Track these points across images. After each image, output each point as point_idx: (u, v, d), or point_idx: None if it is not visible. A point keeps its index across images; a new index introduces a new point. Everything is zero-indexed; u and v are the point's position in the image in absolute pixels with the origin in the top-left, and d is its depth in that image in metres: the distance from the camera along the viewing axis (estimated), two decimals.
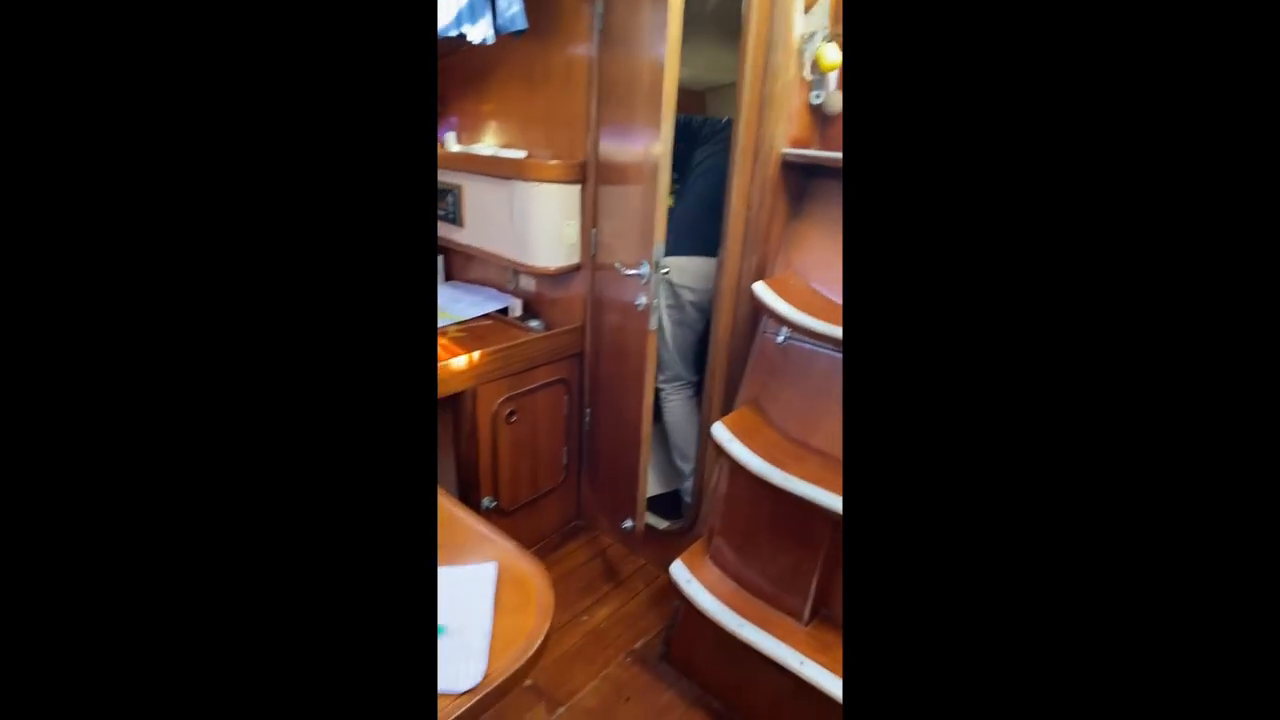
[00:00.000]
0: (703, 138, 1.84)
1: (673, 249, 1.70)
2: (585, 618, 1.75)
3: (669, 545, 1.88)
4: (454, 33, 1.54)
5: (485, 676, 0.73)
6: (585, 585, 1.87)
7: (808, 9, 1.33)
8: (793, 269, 1.53)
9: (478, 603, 0.84)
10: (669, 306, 1.82)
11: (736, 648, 1.36)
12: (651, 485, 2.07)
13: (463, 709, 0.69)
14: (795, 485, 1.26)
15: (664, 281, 1.77)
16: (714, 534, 1.52)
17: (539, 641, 0.79)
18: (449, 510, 1.05)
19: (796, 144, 1.45)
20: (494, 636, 0.79)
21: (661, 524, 1.93)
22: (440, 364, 1.57)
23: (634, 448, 1.69)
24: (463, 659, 0.75)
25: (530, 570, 0.91)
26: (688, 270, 1.75)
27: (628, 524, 1.77)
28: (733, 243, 1.53)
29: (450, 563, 0.92)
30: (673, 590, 1.60)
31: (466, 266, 2.28)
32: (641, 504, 1.72)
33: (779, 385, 1.50)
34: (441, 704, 0.69)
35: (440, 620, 0.81)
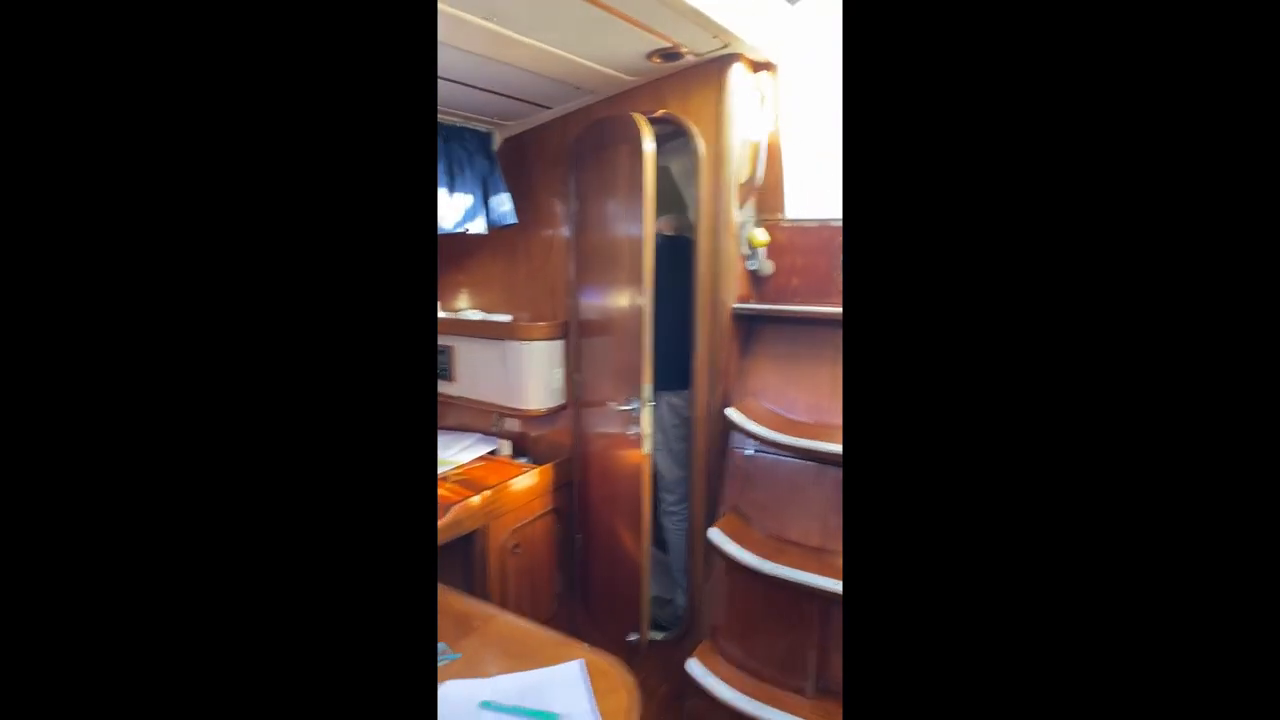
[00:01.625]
0: None
1: (659, 386, 2.03)
2: None
3: (664, 657, 2.03)
4: (460, 229, 1.89)
5: None
6: None
7: (740, 205, 1.80)
8: (749, 395, 1.88)
9: (577, 692, 1.03)
10: (674, 426, 2.11)
11: None
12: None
13: None
14: (785, 572, 1.53)
15: (669, 408, 2.08)
16: (718, 632, 1.72)
17: (638, 712, 0.98)
18: (522, 626, 1.23)
19: (741, 300, 1.87)
20: (601, 715, 0.98)
21: (658, 636, 2.08)
22: (459, 505, 1.75)
23: (632, 563, 1.90)
24: None
25: (608, 661, 1.11)
26: (683, 397, 2.07)
27: (633, 637, 1.92)
28: (701, 378, 1.88)
29: (538, 666, 1.10)
30: (679, 695, 1.75)
31: (444, 415, 2.49)
32: (645, 616, 1.89)
33: (753, 491, 1.80)
34: None
35: (552, 709, 0.98)
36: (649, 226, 1.68)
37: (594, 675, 1.07)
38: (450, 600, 1.35)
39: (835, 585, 1.47)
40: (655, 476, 2.16)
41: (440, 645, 1.15)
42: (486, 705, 0.99)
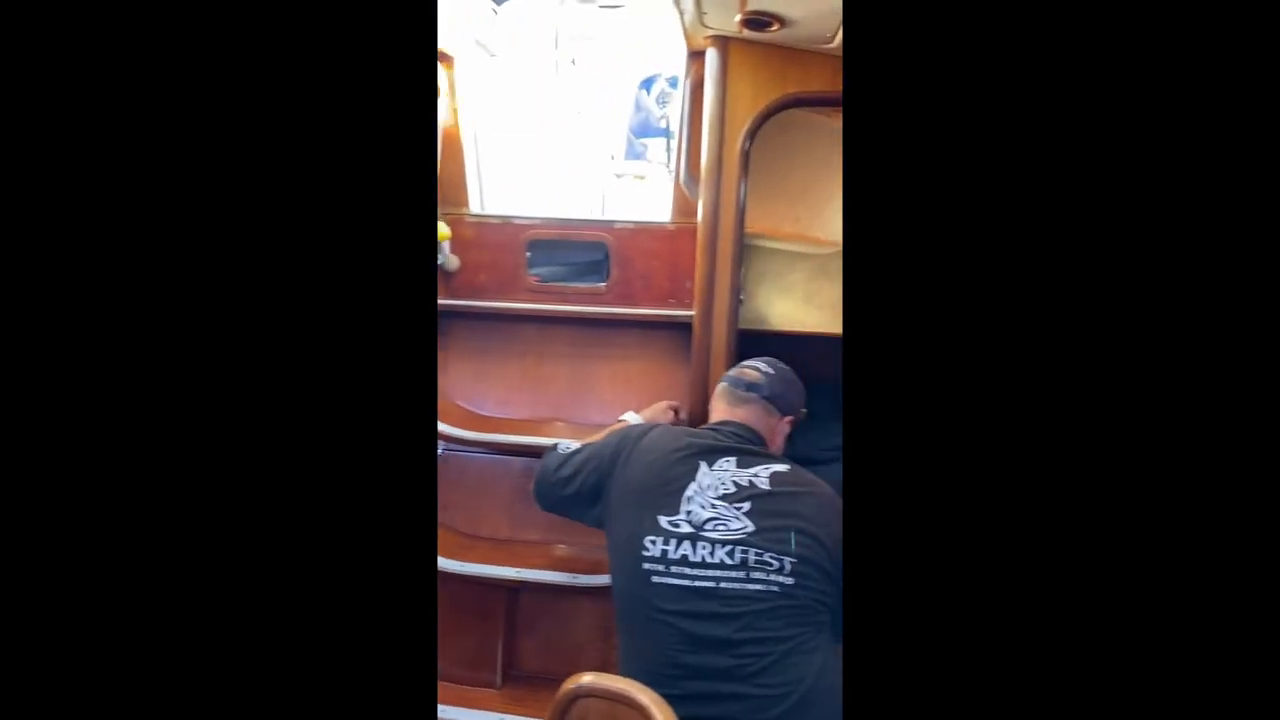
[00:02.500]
0: None
1: None
2: None
3: None
4: None
5: None
6: None
7: None
8: (440, 394, 1.84)
9: None
10: None
11: None
12: None
13: None
14: (470, 569, 1.52)
15: None
16: None
17: None
18: None
19: None
20: None
21: None
22: None
23: None
24: None
25: None
26: None
27: None
28: None
29: None
30: None
31: None
32: None
33: (444, 492, 1.76)
34: None
35: None
36: None
37: None
38: None
39: (520, 574, 1.51)
40: None
41: None
42: None
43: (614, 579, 1.16)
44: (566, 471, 1.24)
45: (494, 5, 1.93)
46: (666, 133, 2.18)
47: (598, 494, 1.20)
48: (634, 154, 2.29)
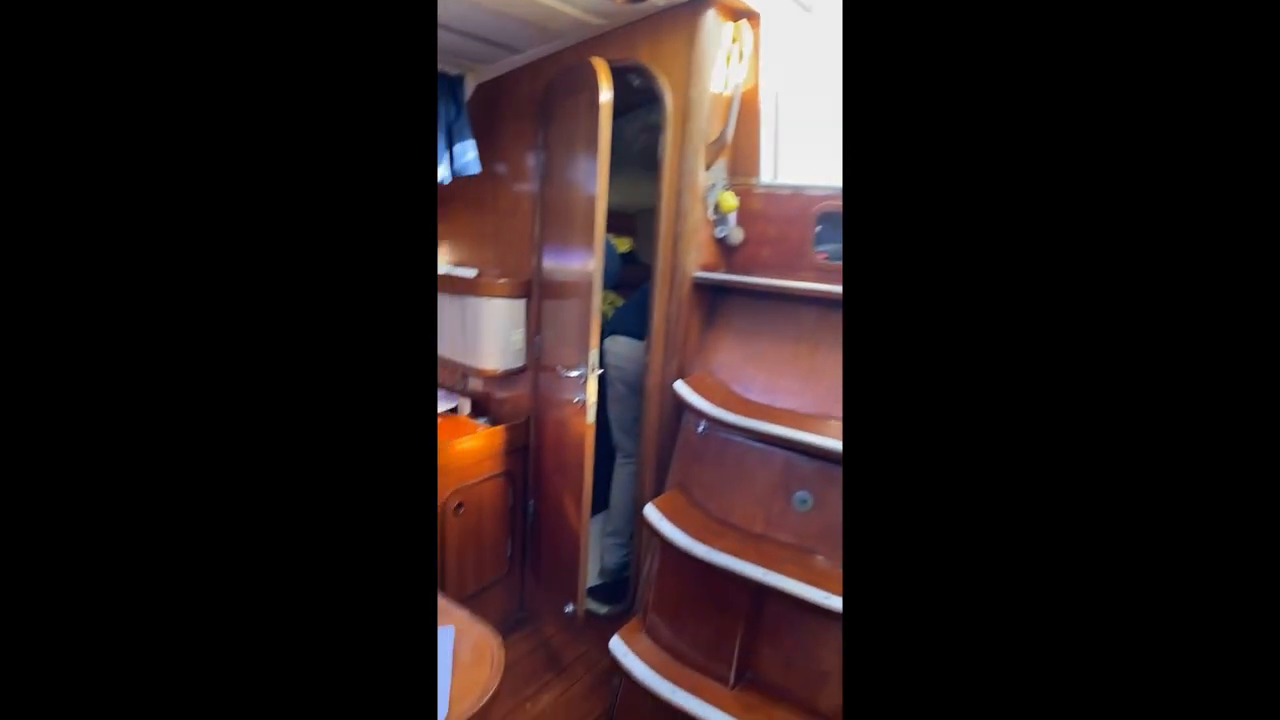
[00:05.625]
0: None
1: (618, 329, 2.04)
2: (529, 705, 1.81)
3: (610, 630, 1.98)
4: None
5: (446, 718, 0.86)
6: (528, 674, 1.94)
7: (708, 166, 1.68)
8: (708, 370, 1.79)
9: (438, 659, 0.98)
10: (610, 395, 2.08)
11: (673, 716, 1.47)
12: (594, 575, 2.19)
13: None
14: (717, 557, 1.45)
15: (608, 368, 2.05)
16: (648, 609, 1.66)
17: (493, 689, 0.93)
18: None
19: (706, 269, 1.76)
20: (453, 687, 0.92)
21: (602, 609, 2.04)
22: None
23: (574, 534, 1.84)
24: None
25: (482, 633, 1.05)
26: (620, 353, 2.04)
27: (569, 608, 1.88)
28: (656, 347, 1.79)
29: None
30: (613, 671, 1.70)
31: None
32: (583, 588, 1.85)
33: (701, 470, 1.72)
34: None
35: None
36: (603, 183, 1.58)
37: (464, 645, 1.02)
38: None
39: (767, 576, 1.39)
40: (609, 431, 2.15)
41: None
42: None
43: None
44: None
45: None
46: None
47: None
48: None
